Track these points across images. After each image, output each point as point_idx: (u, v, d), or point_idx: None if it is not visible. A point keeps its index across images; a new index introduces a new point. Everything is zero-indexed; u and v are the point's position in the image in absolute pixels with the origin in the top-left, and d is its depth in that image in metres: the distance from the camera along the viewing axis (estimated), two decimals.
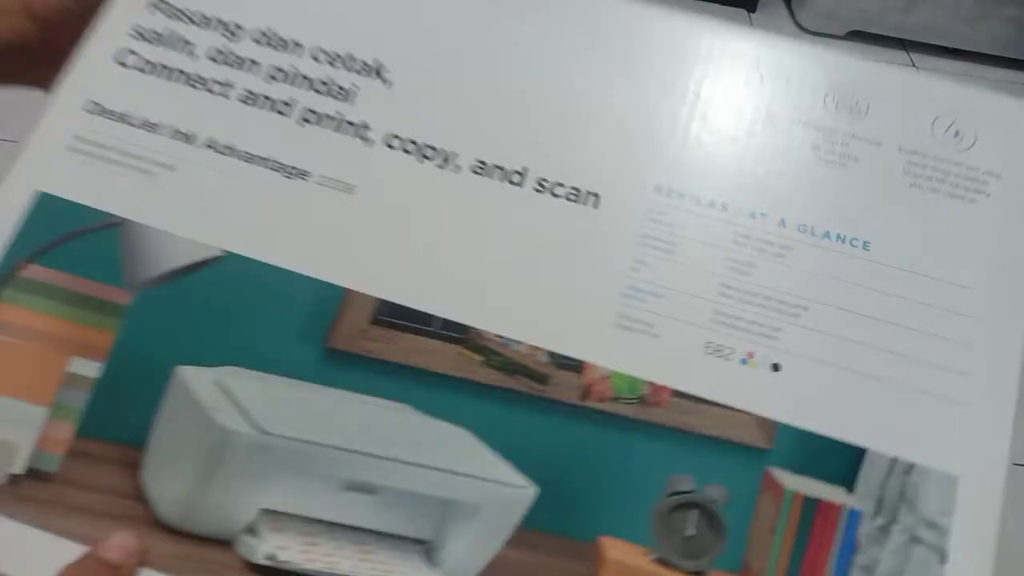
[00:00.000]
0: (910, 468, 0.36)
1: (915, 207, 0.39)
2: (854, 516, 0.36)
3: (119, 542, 0.34)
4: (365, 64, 0.42)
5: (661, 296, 0.38)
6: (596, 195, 0.40)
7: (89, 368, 0.38)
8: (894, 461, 0.36)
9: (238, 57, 0.42)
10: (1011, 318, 0.38)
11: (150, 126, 0.41)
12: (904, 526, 0.35)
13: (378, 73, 0.42)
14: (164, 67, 0.42)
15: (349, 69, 0.42)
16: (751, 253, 0.39)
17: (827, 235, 0.39)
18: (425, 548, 0.36)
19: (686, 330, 0.38)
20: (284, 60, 0.42)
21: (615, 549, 0.35)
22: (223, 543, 0.35)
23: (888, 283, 0.38)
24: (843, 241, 0.39)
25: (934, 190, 0.40)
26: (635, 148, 0.41)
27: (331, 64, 0.42)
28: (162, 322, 0.38)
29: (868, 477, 0.36)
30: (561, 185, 0.40)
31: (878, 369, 0.37)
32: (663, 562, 0.35)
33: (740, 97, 0.41)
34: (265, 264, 0.39)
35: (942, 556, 0.34)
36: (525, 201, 0.40)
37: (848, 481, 0.36)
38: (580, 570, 0.35)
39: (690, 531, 0.36)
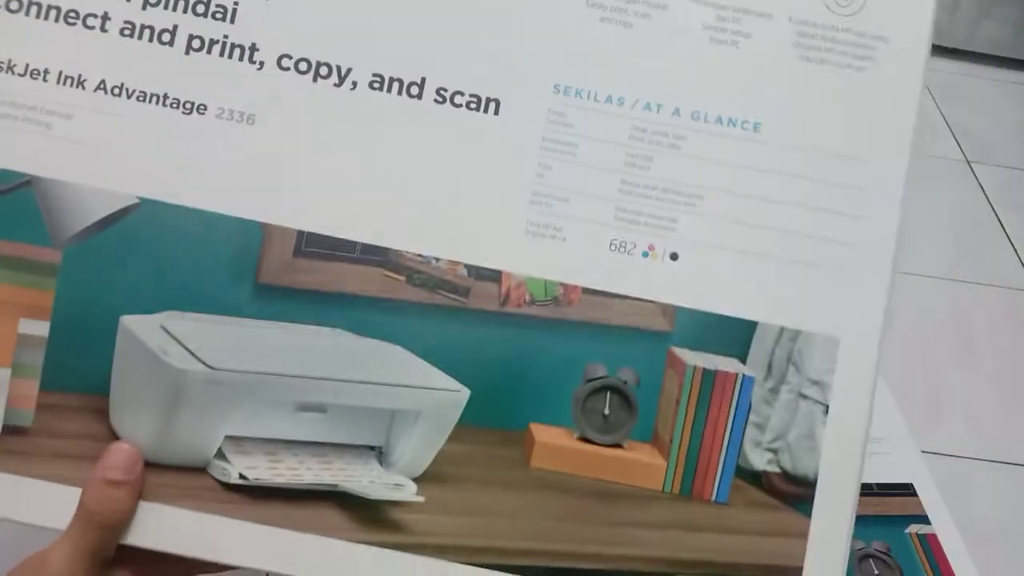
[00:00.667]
0: (796, 334, 0.40)
1: (805, 81, 0.41)
2: (747, 382, 0.41)
3: (117, 461, 0.38)
4: None
5: (566, 200, 0.40)
6: (496, 101, 0.41)
7: (38, 327, 0.40)
8: (782, 330, 0.40)
9: None
10: (893, 185, 0.40)
11: (36, 73, 0.40)
12: (791, 386, 0.41)
13: None
14: (35, 3, 0.40)
15: None
16: (648, 147, 0.40)
17: (719, 120, 0.41)
18: (377, 452, 0.41)
19: (591, 230, 0.40)
20: None
21: (543, 433, 0.40)
22: (198, 470, 0.40)
23: (778, 163, 0.40)
24: (734, 125, 0.41)
25: (823, 61, 0.41)
26: (530, 44, 0.41)
27: None
28: (95, 277, 0.40)
29: (759, 346, 0.41)
30: (460, 94, 0.41)
31: (769, 248, 0.40)
32: (585, 439, 0.41)
33: None
34: (181, 207, 0.40)
35: (825, 408, 0.40)
36: (426, 115, 0.40)
37: (742, 351, 0.41)
38: (515, 454, 0.40)
39: (606, 411, 0.41)
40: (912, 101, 0.41)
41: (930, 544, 0.61)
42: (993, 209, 1.70)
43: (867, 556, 0.59)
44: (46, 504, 0.39)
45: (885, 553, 0.60)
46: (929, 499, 0.63)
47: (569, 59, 0.41)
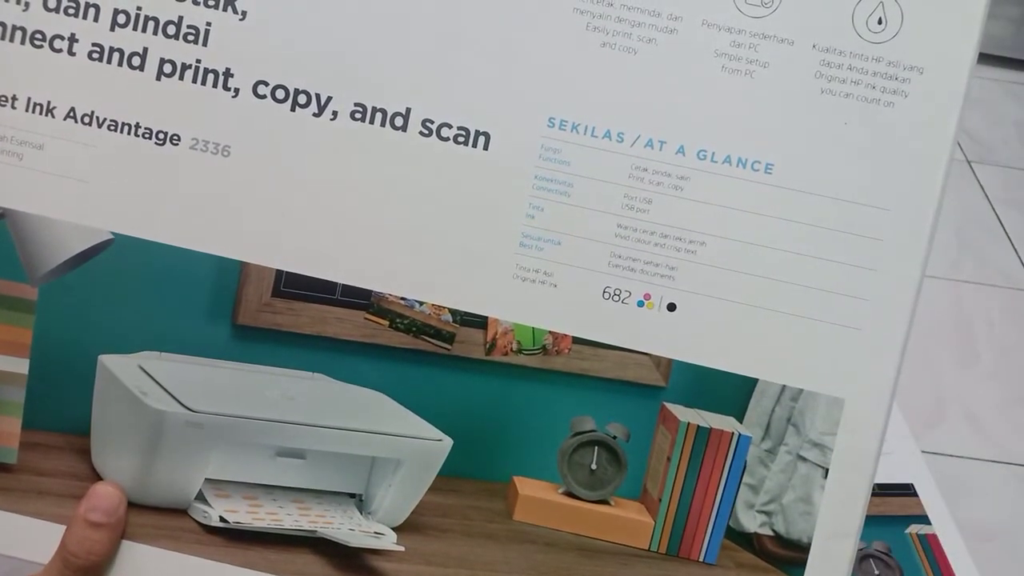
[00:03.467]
0: (798, 394, 0.38)
1: (825, 118, 0.37)
2: (743, 441, 0.39)
3: (100, 503, 0.38)
4: None
5: (558, 243, 0.38)
6: (486, 134, 0.38)
7: (17, 365, 0.39)
8: (783, 388, 0.38)
9: (75, 1, 0.38)
10: (917, 237, 0.37)
11: (4, 99, 0.38)
12: (790, 447, 0.39)
13: (229, 3, 0.38)
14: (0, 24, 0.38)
15: (197, 3, 0.38)
16: (648, 188, 0.37)
17: (728, 160, 0.37)
18: (357, 500, 0.41)
19: (584, 277, 0.38)
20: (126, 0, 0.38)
21: (527, 486, 0.39)
22: (179, 511, 0.40)
23: (790, 209, 0.37)
24: (744, 166, 0.37)
25: (847, 95, 0.37)
26: (523, 72, 0.38)
27: None
28: (71, 315, 0.39)
29: (758, 404, 0.38)
30: (448, 126, 0.38)
31: (774, 301, 0.37)
32: (570, 494, 0.39)
33: None
34: (156, 243, 0.38)
35: (825, 472, 0.38)
36: (411, 149, 0.38)
37: (739, 409, 0.38)
38: (497, 506, 0.39)
39: (593, 465, 0.39)
40: (945, 143, 0.37)
41: (930, 544, 0.60)
42: (993, 209, 1.65)
43: (867, 556, 0.58)
44: (30, 539, 0.39)
45: (885, 553, 0.59)
46: (929, 499, 0.62)
47: (565, 89, 0.38)
